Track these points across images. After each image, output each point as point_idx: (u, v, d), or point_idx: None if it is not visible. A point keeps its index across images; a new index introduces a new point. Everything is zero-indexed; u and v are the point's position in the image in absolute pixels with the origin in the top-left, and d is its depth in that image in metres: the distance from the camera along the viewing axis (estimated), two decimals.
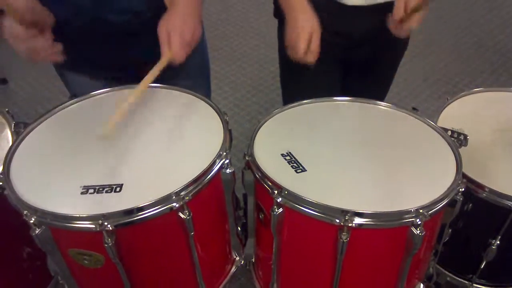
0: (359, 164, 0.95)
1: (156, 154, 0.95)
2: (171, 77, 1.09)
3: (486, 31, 3.10)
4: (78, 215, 0.80)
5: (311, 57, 1.06)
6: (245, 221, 1.12)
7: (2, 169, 0.92)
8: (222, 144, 0.95)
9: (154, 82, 1.02)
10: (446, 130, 1.03)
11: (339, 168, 0.94)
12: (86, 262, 0.88)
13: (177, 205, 0.83)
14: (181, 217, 0.85)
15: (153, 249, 0.90)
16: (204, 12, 1.31)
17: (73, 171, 0.91)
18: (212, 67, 1.43)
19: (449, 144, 1.00)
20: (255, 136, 1.02)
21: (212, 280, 1.07)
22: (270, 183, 0.90)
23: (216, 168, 0.91)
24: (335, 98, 1.14)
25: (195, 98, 1.11)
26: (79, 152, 0.96)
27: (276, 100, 2.53)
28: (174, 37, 1.00)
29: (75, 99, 1.12)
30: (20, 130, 1.03)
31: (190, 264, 0.96)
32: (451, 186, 0.89)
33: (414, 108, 1.10)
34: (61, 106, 1.09)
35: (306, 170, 0.93)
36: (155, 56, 1.00)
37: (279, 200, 0.86)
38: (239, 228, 1.12)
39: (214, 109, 1.06)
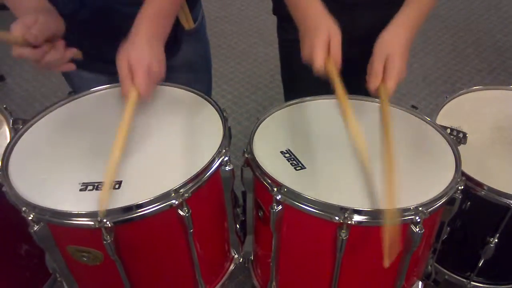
0: (358, 161, 0.95)
1: (155, 151, 0.95)
2: (173, 70, 1.09)
3: (484, 30, 3.11)
4: (77, 212, 0.80)
5: (333, 68, 0.93)
6: (244, 218, 1.12)
7: (0, 166, 0.91)
8: (222, 141, 0.94)
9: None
10: (445, 128, 1.03)
11: (339, 166, 0.94)
12: (85, 259, 0.87)
13: (176, 202, 0.83)
14: (180, 214, 0.85)
15: (152, 246, 0.90)
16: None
17: (72, 168, 0.91)
18: None
19: (448, 142, 1.00)
20: (254, 133, 1.02)
21: (210, 277, 1.07)
22: (269, 181, 0.89)
23: (215, 165, 0.90)
24: (334, 95, 1.14)
25: (194, 95, 1.11)
26: (77, 149, 0.96)
27: (275, 97, 2.53)
28: (139, 72, 0.91)
29: (74, 96, 1.11)
30: (18, 127, 1.02)
31: (189, 262, 0.96)
32: (450, 184, 0.89)
33: (413, 106, 1.10)
34: (59, 103, 1.09)
35: (305, 168, 0.93)
36: (165, 49, 0.98)
37: (278, 197, 0.86)
38: (238, 226, 1.12)
39: (213, 106, 1.06)
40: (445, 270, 1.22)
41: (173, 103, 1.09)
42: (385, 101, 0.98)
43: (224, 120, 1.01)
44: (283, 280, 1.04)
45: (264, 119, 1.07)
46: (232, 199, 1.03)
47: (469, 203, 1.05)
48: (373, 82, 0.97)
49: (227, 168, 0.93)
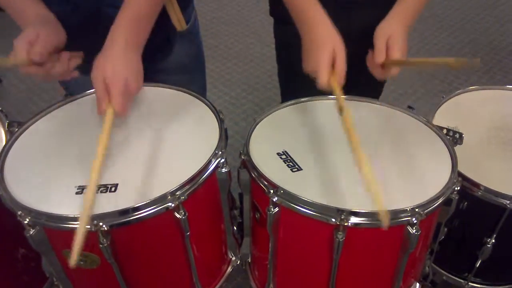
0: (354, 162, 0.95)
1: (151, 154, 0.95)
2: (166, 72, 1.08)
3: (480, 29, 3.12)
4: (73, 216, 0.80)
5: (337, 83, 0.93)
6: (241, 220, 1.12)
7: None
8: (218, 143, 0.94)
9: (148, 82, 1.01)
10: (441, 128, 1.03)
11: (335, 167, 0.94)
12: (81, 263, 0.87)
13: (172, 205, 0.83)
14: (176, 217, 0.85)
15: (148, 249, 0.90)
16: (198, 10, 1.31)
17: (68, 171, 0.91)
18: (207, 66, 1.43)
19: (444, 142, 1.00)
20: (250, 135, 1.02)
21: (208, 280, 1.06)
22: (266, 182, 0.89)
23: (211, 167, 0.90)
24: (331, 96, 1.14)
25: (190, 97, 1.10)
26: (73, 152, 0.96)
27: (272, 98, 2.53)
28: (115, 91, 0.88)
29: (70, 98, 1.11)
30: (13, 130, 1.02)
31: (186, 264, 0.96)
32: (446, 184, 0.89)
33: (409, 107, 1.10)
34: (55, 105, 1.09)
35: (302, 169, 0.93)
36: (157, 51, 0.98)
37: (275, 199, 0.86)
38: (235, 228, 1.12)
39: (210, 108, 1.06)
40: (442, 271, 1.22)
41: (169, 104, 1.08)
42: (400, 60, 0.95)
43: (220, 121, 1.01)
44: (280, 282, 1.04)
45: (261, 120, 1.07)
46: (229, 201, 1.02)
47: (465, 203, 1.05)
48: (378, 58, 0.97)
49: (224, 170, 0.92)
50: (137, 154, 0.94)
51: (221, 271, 1.11)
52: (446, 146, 0.99)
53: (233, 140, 2.18)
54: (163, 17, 1.05)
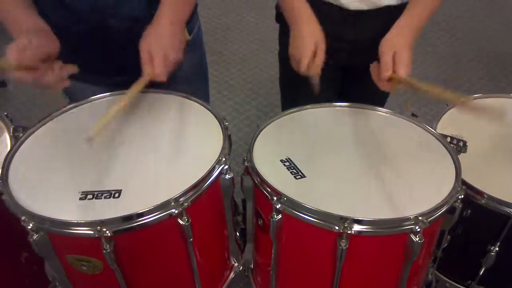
0: (358, 170, 0.95)
1: (155, 160, 0.95)
2: (170, 81, 1.09)
3: (485, 36, 3.11)
4: (76, 221, 0.80)
5: (315, 71, 1.04)
6: (244, 226, 1.12)
7: (0, 174, 0.91)
8: (222, 150, 0.94)
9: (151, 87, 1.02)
10: (445, 136, 1.03)
11: (339, 175, 0.94)
12: (84, 268, 0.87)
13: (176, 211, 0.83)
14: (180, 223, 0.85)
15: (151, 255, 0.90)
16: (203, 16, 1.32)
17: (72, 177, 0.91)
18: (211, 71, 1.43)
19: (448, 150, 1.00)
20: (254, 141, 1.02)
21: (210, 285, 1.06)
22: (269, 189, 0.89)
23: (215, 174, 0.90)
24: (334, 103, 1.14)
25: (194, 103, 1.11)
26: (78, 157, 0.96)
27: (275, 104, 2.52)
28: (157, 59, 0.98)
29: (74, 104, 1.11)
30: (19, 135, 1.02)
31: (189, 270, 0.96)
32: (450, 193, 0.89)
33: (413, 114, 1.10)
34: (60, 111, 1.09)
35: (305, 177, 0.93)
36: None
37: (278, 206, 0.86)
38: (238, 234, 1.11)
39: (213, 114, 1.06)
40: (445, 279, 1.21)
41: (173, 111, 1.09)
42: (405, 80, 0.97)
43: (224, 128, 1.01)
44: None
45: (264, 127, 1.07)
46: (232, 207, 1.03)
47: (469, 211, 1.04)
48: (385, 72, 0.99)
49: (227, 176, 0.92)
50: (141, 160, 0.95)
51: (224, 277, 1.11)
52: (450, 154, 0.99)
53: (236, 146, 2.19)
54: None
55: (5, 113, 1.14)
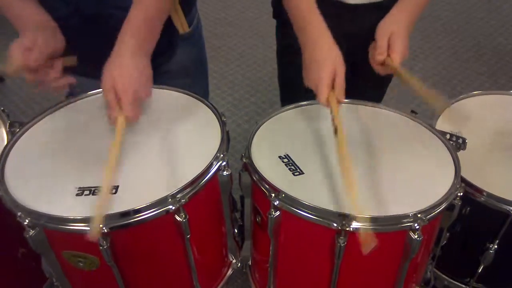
0: (356, 167, 0.95)
1: (152, 156, 0.94)
2: (169, 75, 1.08)
3: (484, 33, 3.10)
4: (73, 217, 0.79)
5: (336, 99, 0.95)
6: (242, 223, 1.11)
7: None
8: (220, 146, 0.94)
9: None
10: (444, 133, 1.03)
11: (337, 172, 0.93)
12: (81, 264, 0.87)
13: (173, 208, 0.82)
14: (177, 219, 0.84)
15: (148, 252, 0.90)
16: (202, 11, 1.31)
17: (69, 172, 0.91)
18: (210, 67, 1.43)
19: (447, 147, 1.00)
20: (252, 138, 1.01)
21: (208, 282, 1.06)
22: (267, 186, 0.89)
23: (213, 170, 0.90)
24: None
25: (192, 99, 1.10)
26: (74, 153, 0.96)
27: (274, 100, 2.52)
28: (125, 98, 0.89)
29: (72, 99, 1.11)
30: (15, 130, 1.02)
31: (186, 267, 0.95)
32: (449, 190, 0.88)
33: (412, 111, 1.09)
34: (57, 106, 1.08)
35: (303, 173, 0.93)
36: (159, 54, 0.97)
37: (276, 203, 0.85)
38: (236, 231, 1.11)
39: (212, 110, 1.06)
40: (444, 276, 1.21)
41: (171, 107, 1.08)
42: (396, 68, 0.99)
43: (222, 124, 1.00)
44: (280, 285, 1.03)
45: (263, 123, 1.06)
46: (230, 204, 1.02)
47: (468, 209, 1.04)
48: (379, 55, 0.99)
49: (225, 173, 0.92)
50: (138, 156, 0.94)
51: (222, 273, 1.10)
52: (449, 151, 0.99)
53: (235, 142, 2.18)
54: (165, 20, 1.05)
55: (2, 108, 1.13)
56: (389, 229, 0.83)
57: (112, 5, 1.05)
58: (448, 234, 1.05)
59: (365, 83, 1.08)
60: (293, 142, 1.01)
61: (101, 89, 1.11)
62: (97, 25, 1.07)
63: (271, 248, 0.95)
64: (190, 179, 0.85)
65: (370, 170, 0.94)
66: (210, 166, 0.89)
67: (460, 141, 1.00)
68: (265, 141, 1.01)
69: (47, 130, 1.03)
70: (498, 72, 2.74)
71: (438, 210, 0.85)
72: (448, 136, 1.02)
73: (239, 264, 1.12)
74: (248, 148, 0.98)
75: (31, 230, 0.81)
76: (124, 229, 0.81)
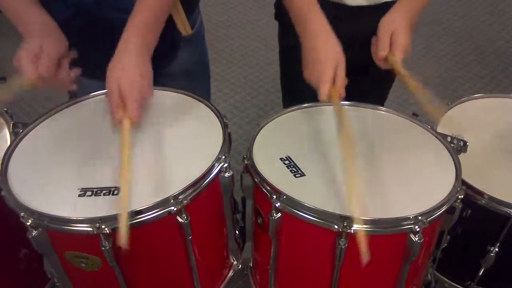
0: (358, 169, 0.95)
1: (154, 157, 0.95)
2: (170, 77, 1.08)
3: (486, 36, 3.11)
4: (75, 218, 0.80)
5: (337, 95, 0.96)
6: (243, 225, 1.12)
7: (0, 170, 0.91)
8: (221, 147, 0.94)
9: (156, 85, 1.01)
10: (445, 136, 1.03)
11: (338, 173, 0.94)
12: (83, 265, 0.87)
13: (175, 209, 0.83)
14: (179, 221, 0.85)
15: (150, 253, 0.90)
16: (204, 14, 1.31)
17: (71, 173, 0.91)
18: (212, 69, 1.43)
19: (448, 150, 1.00)
20: (254, 139, 1.01)
21: (209, 284, 1.06)
22: (268, 188, 0.89)
23: (214, 171, 0.90)
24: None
25: (194, 100, 1.10)
26: (77, 154, 0.96)
27: (276, 102, 2.53)
28: (131, 98, 0.91)
29: (75, 99, 1.11)
30: (18, 130, 1.02)
31: (188, 268, 0.96)
32: (450, 193, 0.88)
33: (414, 114, 1.10)
34: (60, 106, 1.09)
35: (305, 175, 0.93)
36: (161, 56, 0.98)
37: (277, 204, 0.86)
38: (237, 232, 1.11)
39: (214, 112, 1.06)
40: (445, 279, 1.21)
41: (173, 108, 1.08)
42: (397, 66, 0.99)
43: (224, 126, 1.01)
44: (281, 287, 1.03)
45: (265, 125, 1.07)
46: (231, 205, 1.02)
47: (469, 211, 1.04)
48: (381, 52, 1.00)
49: (227, 174, 0.92)
50: (140, 157, 0.94)
51: (223, 275, 1.11)
52: (450, 154, 0.99)
53: (236, 143, 2.18)
54: (168, 22, 1.06)
55: (5, 109, 1.14)
56: (390, 231, 0.83)
57: (113, 7, 1.05)
58: (448, 236, 1.06)
59: (366, 85, 1.08)
60: (295, 144, 1.01)
61: (103, 90, 1.12)
62: (98, 27, 1.08)
63: (272, 249, 0.95)
64: (192, 181, 0.85)
65: (371, 172, 0.94)
66: (212, 167, 0.90)
67: (461, 144, 1.00)
68: (267, 143, 1.01)
69: (50, 130, 1.03)
70: (499, 76, 2.74)
71: (439, 213, 0.86)
72: (449, 139, 1.02)
73: (240, 266, 1.12)
74: (249, 149, 0.98)
75: (34, 231, 0.82)
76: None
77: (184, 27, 1.18)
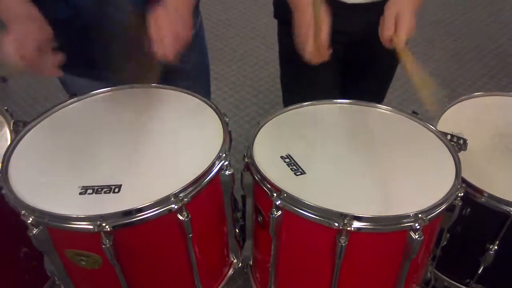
0: (358, 167, 0.95)
1: (155, 155, 0.95)
2: (172, 77, 1.08)
3: (486, 35, 3.11)
4: (76, 216, 0.80)
5: (320, 55, 1.01)
6: (243, 223, 1.12)
7: (0, 168, 0.91)
8: (222, 145, 0.94)
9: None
10: (445, 134, 1.03)
11: (339, 172, 0.94)
12: (83, 263, 0.87)
13: (175, 207, 0.83)
14: (179, 218, 0.85)
15: (151, 251, 0.90)
16: (204, 13, 1.31)
17: (72, 171, 0.91)
18: (212, 68, 1.43)
19: (448, 148, 1.00)
20: (254, 138, 1.02)
21: (209, 282, 1.06)
22: (269, 186, 0.89)
23: (215, 169, 0.90)
24: (335, 100, 1.14)
25: (195, 99, 1.11)
26: (78, 152, 0.96)
27: (276, 101, 2.53)
28: (167, 33, 0.96)
29: (75, 98, 1.11)
30: (19, 129, 1.02)
31: (188, 266, 0.96)
32: (450, 190, 0.88)
33: (414, 112, 1.10)
34: (60, 105, 1.09)
35: (305, 173, 0.93)
36: None
37: (278, 202, 0.86)
38: (237, 230, 1.11)
39: (214, 110, 1.06)
40: (444, 277, 1.21)
41: (174, 107, 1.09)
42: (399, 47, 1.01)
43: (225, 124, 1.01)
44: (282, 285, 1.03)
45: (265, 124, 1.07)
46: (231, 203, 1.02)
47: (469, 209, 1.05)
48: (386, 32, 1.02)
49: (227, 172, 0.92)
50: (141, 155, 0.95)
51: (223, 273, 1.11)
52: (450, 152, 0.99)
53: (236, 142, 2.18)
54: None
55: (5, 108, 1.14)
56: (390, 229, 0.83)
57: (112, 8, 1.06)
58: (448, 234, 1.06)
59: (364, 81, 1.08)
60: (295, 142, 1.01)
61: (102, 89, 1.13)
62: (96, 26, 1.08)
63: (272, 247, 0.95)
64: (192, 178, 0.86)
65: (371, 170, 0.94)
66: (212, 165, 0.90)
67: (461, 142, 1.00)
68: (267, 141, 1.01)
69: (50, 129, 1.03)
70: (499, 74, 2.75)
71: (439, 211, 0.86)
72: (449, 137, 1.02)
73: (240, 264, 1.13)
74: (250, 148, 0.98)
75: (34, 229, 0.82)
76: (126, 227, 0.82)
77: None
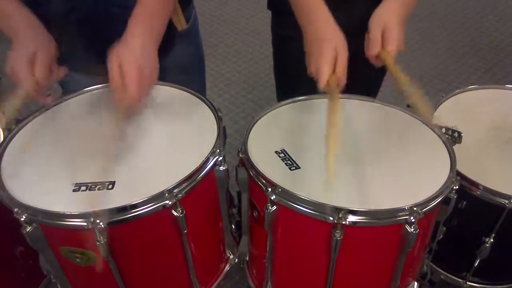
0: (352, 161, 0.95)
1: (149, 151, 0.94)
2: (165, 71, 1.07)
3: (480, 29, 3.11)
4: (69, 213, 0.80)
5: (336, 83, 0.93)
6: (239, 219, 1.12)
7: None
8: (216, 141, 0.94)
9: None
10: (440, 127, 1.03)
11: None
12: (78, 260, 0.87)
13: (170, 203, 0.83)
14: (174, 214, 0.85)
15: (145, 247, 0.90)
16: (198, 9, 1.30)
17: (65, 168, 0.90)
18: (206, 64, 1.42)
19: (443, 141, 1.00)
20: (249, 133, 1.01)
21: (205, 278, 1.06)
22: (264, 181, 0.89)
23: (209, 165, 0.90)
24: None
25: (189, 95, 1.10)
26: (71, 149, 0.95)
27: (270, 97, 2.52)
28: (130, 74, 0.87)
29: (68, 95, 1.11)
30: (11, 127, 1.02)
31: (184, 262, 0.96)
32: (445, 183, 0.88)
33: (408, 105, 1.09)
34: (53, 102, 1.08)
35: (300, 168, 0.93)
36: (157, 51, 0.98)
37: (272, 197, 0.85)
38: (233, 226, 1.11)
39: (208, 106, 1.06)
40: (440, 270, 1.22)
41: (168, 102, 1.08)
42: (389, 62, 0.97)
43: (219, 119, 1.00)
44: (278, 280, 1.03)
45: (259, 119, 1.06)
46: (227, 199, 1.02)
47: (464, 202, 1.05)
48: (373, 48, 0.97)
49: (222, 168, 0.92)
50: (134, 151, 0.94)
51: (219, 269, 1.11)
52: (445, 145, 0.99)
53: (232, 138, 2.18)
54: None
55: None
56: (385, 223, 0.83)
57: (109, 2, 1.05)
58: (444, 228, 1.06)
59: (359, 75, 1.07)
60: (290, 137, 1.01)
61: (96, 86, 1.12)
62: (93, 21, 1.07)
63: (268, 243, 0.95)
64: (186, 174, 0.85)
65: (365, 163, 0.94)
66: (206, 161, 0.89)
67: (456, 135, 1.00)
68: (262, 136, 1.01)
69: (43, 126, 1.03)
70: (494, 67, 2.75)
71: (434, 204, 0.86)
72: (444, 130, 1.02)
73: (236, 260, 1.12)
74: (244, 143, 0.98)
75: (28, 226, 0.81)
76: (121, 224, 0.81)
77: (179, 21, 1.18)
